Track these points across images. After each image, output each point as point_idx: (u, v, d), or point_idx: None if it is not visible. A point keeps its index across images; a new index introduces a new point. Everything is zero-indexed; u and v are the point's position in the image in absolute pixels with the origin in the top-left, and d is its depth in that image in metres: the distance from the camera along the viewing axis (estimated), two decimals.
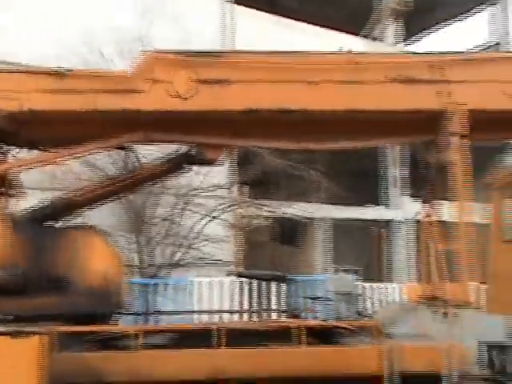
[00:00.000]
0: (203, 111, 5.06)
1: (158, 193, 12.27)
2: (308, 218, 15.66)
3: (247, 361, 4.35)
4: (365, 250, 18.42)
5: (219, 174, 12.52)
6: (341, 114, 5.14)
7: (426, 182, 5.68)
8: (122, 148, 5.56)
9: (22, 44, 11.85)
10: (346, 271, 7.72)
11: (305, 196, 15.54)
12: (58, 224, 5.51)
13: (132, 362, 4.30)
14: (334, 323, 5.01)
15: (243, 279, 10.91)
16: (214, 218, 13.36)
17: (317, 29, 16.93)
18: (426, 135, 5.35)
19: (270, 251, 15.02)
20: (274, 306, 10.83)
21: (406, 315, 5.24)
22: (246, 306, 10.96)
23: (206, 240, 13.11)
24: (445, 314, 4.61)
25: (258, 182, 14.08)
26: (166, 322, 9.73)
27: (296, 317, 7.64)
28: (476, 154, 5.10)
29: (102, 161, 10.90)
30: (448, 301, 4.76)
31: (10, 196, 5.20)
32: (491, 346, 4.47)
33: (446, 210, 5.36)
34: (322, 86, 5.07)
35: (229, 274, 12.18)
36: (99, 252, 5.18)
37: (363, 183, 17.10)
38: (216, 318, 10.45)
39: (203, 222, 13.19)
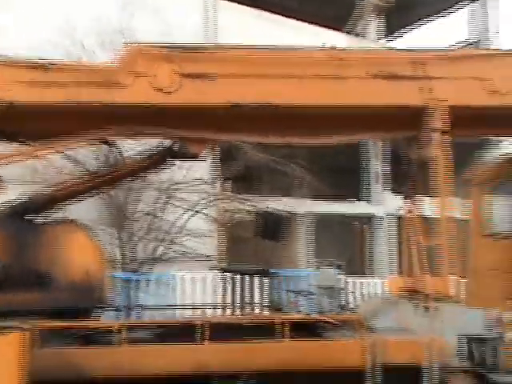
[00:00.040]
0: (187, 105, 5.03)
1: (140, 187, 12.21)
2: (291, 213, 15.71)
3: (231, 355, 4.36)
4: (347, 245, 18.55)
5: (202, 168, 12.48)
6: (324, 109, 5.16)
7: (408, 177, 5.73)
8: (104, 142, 5.51)
9: (3, 37, 11.66)
10: (328, 266, 7.77)
11: (288, 191, 15.60)
12: (39, 218, 5.46)
13: (115, 358, 4.29)
14: (317, 317, 5.04)
15: (226, 274, 10.92)
16: (196, 212, 13.34)
17: (300, 24, 16.95)
18: (408, 131, 5.40)
19: (252, 246, 15.05)
20: (256, 301, 10.86)
21: (387, 309, 5.30)
22: (228, 301, 10.98)
23: (189, 235, 13.09)
24: (426, 307, 4.68)
25: (241, 177, 14.08)
26: (148, 317, 9.70)
27: (279, 311, 7.67)
28: (457, 150, 5.16)
29: (84, 155, 10.79)
30: (429, 294, 4.82)
31: None
32: (471, 339, 4.54)
33: (428, 206, 5.42)
34: (306, 81, 5.09)
35: (212, 268, 12.19)
36: (81, 247, 5.15)
37: (345, 178, 17.20)
38: (199, 312, 10.45)
39: (186, 216, 13.16)
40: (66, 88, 4.82)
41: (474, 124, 5.50)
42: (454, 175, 5.14)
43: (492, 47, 19.08)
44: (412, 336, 4.54)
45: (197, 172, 12.53)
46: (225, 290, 11.04)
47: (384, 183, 18.37)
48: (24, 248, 4.91)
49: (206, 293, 11.54)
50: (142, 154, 5.75)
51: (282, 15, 16.76)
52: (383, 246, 18.17)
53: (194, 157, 5.48)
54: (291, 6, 17.78)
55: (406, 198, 5.81)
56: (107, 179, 5.76)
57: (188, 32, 12.81)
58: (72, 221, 5.31)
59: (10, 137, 5.21)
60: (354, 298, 12.38)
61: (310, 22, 17.04)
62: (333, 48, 5.41)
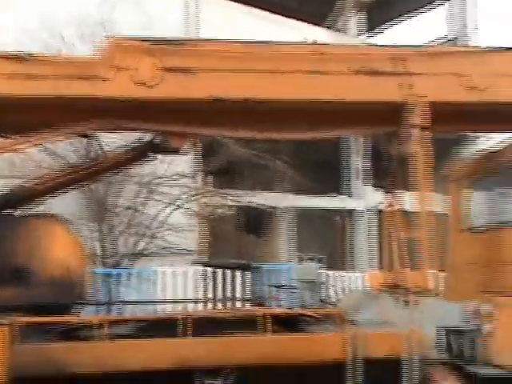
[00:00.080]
0: (168, 99, 5.01)
1: (120, 181, 12.13)
2: (272, 208, 15.76)
3: (212, 349, 4.37)
4: (328, 239, 18.67)
5: (183, 162, 12.44)
6: (305, 104, 5.18)
7: (388, 172, 5.79)
8: (84, 136, 5.46)
9: None
10: (310, 260, 7.81)
11: (269, 185, 15.63)
12: (18, 212, 5.39)
13: (96, 353, 4.26)
14: (299, 311, 5.08)
15: (208, 268, 10.92)
16: (178, 206, 13.29)
17: (282, 18, 16.95)
18: (389, 127, 5.45)
19: (234, 240, 15.06)
20: (238, 295, 10.88)
21: (368, 302, 5.35)
22: (210, 295, 10.98)
23: (170, 229, 13.04)
24: (406, 301, 4.74)
25: (223, 171, 14.06)
26: (129, 312, 9.66)
27: (261, 305, 7.70)
28: (435, 146, 5.22)
29: (63, 148, 10.68)
30: (409, 288, 4.89)
31: None
32: (449, 331, 4.62)
33: (408, 200, 5.48)
34: (288, 75, 5.10)
35: (193, 263, 12.17)
36: (61, 241, 5.11)
37: (327, 173, 17.29)
38: (180, 307, 10.43)
39: (167, 211, 13.11)
40: (46, 81, 4.76)
41: (453, 120, 5.57)
42: (433, 170, 5.20)
43: (470, 44, 19.31)
44: (392, 329, 4.59)
45: (178, 166, 12.48)
46: (206, 284, 11.04)
47: (364, 178, 18.52)
48: (3, 243, 4.85)
49: (187, 287, 11.52)
50: (123, 148, 5.72)
51: (264, 10, 16.74)
52: (364, 240, 18.33)
53: (175, 151, 5.46)
54: (273, 1, 17.76)
55: (386, 192, 5.87)
56: (87, 173, 5.71)
57: (169, 25, 12.72)
58: (52, 215, 5.25)
59: None
60: (335, 291, 12.48)
61: (292, 17, 17.06)
62: (314, 43, 5.43)
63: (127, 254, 12.71)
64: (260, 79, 5.08)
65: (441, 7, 22.49)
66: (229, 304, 10.46)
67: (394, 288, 5.32)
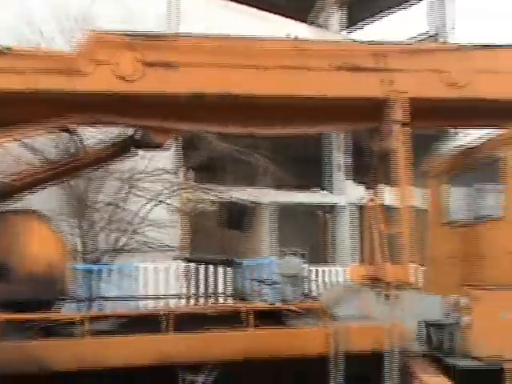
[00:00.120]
0: (149, 94, 4.98)
1: (101, 177, 12.02)
2: (255, 203, 15.77)
3: (195, 345, 4.37)
4: (310, 234, 18.76)
5: (164, 158, 12.37)
6: (287, 99, 5.19)
7: (369, 167, 5.83)
8: (65, 130, 5.40)
9: None
10: (292, 254, 7.84)
11: (251, 181, 15.63)
12: None
13: (77, 350, 4.23)
14: (281, 306, 5.10)
15: (190, 264, 10.90)
16: (159, 202, 13.23)
17: (264, 13, 16.92)
18: (370, 122, 5.48)
19: (216, 236, 15.04)
20: (220, 290, 10.88)
21: (349, 297, 5.40)
22: (192, 291, 10.97)
23: (152, 225, 12.98)
24: (387, 294, 4.79)
25: (205, 167, 14.02)
26: (110, 308, 9.60)
27: (243, 300, 7.71)
28: (415, 142, 5.27)
29: (42, 143, 10.55)
30: (389, 282, 4.94)
31: None
32: (429, 324, 4.69)
33: (388, 195, 5.53)
34: (269, 71, 5.10)
35: (176, 258, 12.13)
36: (41, 237, 5.06)
37: (308, 168, 17.35)
38: (162, 303, 10.40)
39: (148, 206, 13.04)
40: (25, 75, 4.70)
41: (434, 116, 5.63)
42: (413, 166, 5.25)
43: (449, 40, 19.50)
44: (373, 323, 4.64)
45: (159, 162, 12.41)
46: (188, 280, 11.02)
47: (346, 173, 18.63)
48: None
49: (169, 283, 11.49)
50: (104, 143, 5.67)
51: (246, 5, 16.68)
52: (345, 234, 18.46)
53: (158, 146, 5.44)
54: None
55: (367, 187, 5.92)
56: (68, 168, 5.66)
57: (150, 19, 12.61)
58: (32, 211, 5.19)
59: None
60: (317, 286, 12.55)
61: (274, 12, 17.03)
62: (296, 39, 5.43)
63: (108, 249, 12.62)
64: (241, 75, 5.07)
65: (421, 3, 22.66)
66: (211, 300, 10.46)
67: (375, 282, 5.38)
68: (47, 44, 10.38)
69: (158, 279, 11.54)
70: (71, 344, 4.28)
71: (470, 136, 7.14)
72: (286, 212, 17.53)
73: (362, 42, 5.90)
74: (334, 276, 13.44)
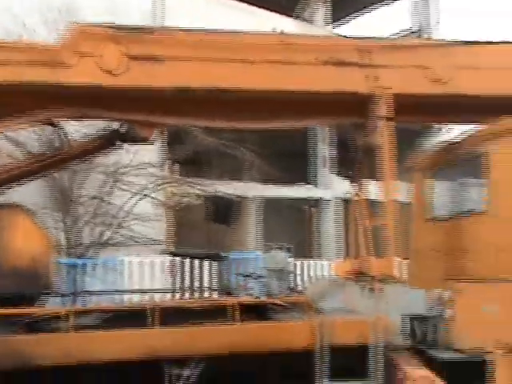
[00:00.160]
0: (134, 88, 4.94)
1: (85, 170, 11.94)
2: (240, 197, 15.76)
3: (181, 339, 4.37)
4: (296, 228, 18.81)
5: (150, 151, 12.31)
6: (273, 94, 5.18)
7: (354, 162, 5.86)
8: (50, 124, 5.34)
9: None
10: (278, 248, 7.88)
11: (237, 175, 15.62)
12: None
13: (62, 344, 4.21)
14: (267, 299, 5.12)
15: (175, 258, 10.88)
16: (144, 196, 13.17)
17: (250, 8, 16.86)
18: (355, 117, 5.51)
19: (202, 230, 15.02)
20: (206, 284, 10.89)
21: (334, 290, 5.44)
22: (178, 285, 10.95)
23: (137, 219, 12.92)
24: (371, 288, 4.83)
25: (190, 160, 13.98)
26: (95, 302, 9.56)
27: (229, 294, 7.73)
28: (400, 137, 5.31)
29: (26, 136, 10.43)
30: (374, 276, 4.98)
31: None
32: (413, 318, 4.74)
33: (373, 189, 5.57)
34: (255, 65, 5.08)
35: (162, 252, 12.09)
36: (25, 231, 5.02)
37: (294, 162, 17.39)
38: (147, 297, 10.38)
39: (133, 200, 12.98)
40: (7, 67, 4.63)
41: (418, 111, 5.67)
42: (398, 161, 5.30)
43: (433, 36, 19.61)
44: (358, 316, 4.68)
45: (145, 155, 12.35)
46: (174, 274, 11.01)
47: (331, 167, 18.70)
48: None
49: (154, 277, 11.46)
50: (90, 137, 5.62)
51: None
52: (331, 228, 18.55)
53: (143, 140, 5.40)
54: None
55: (352, 181, 5.95)
56: (52, 162, 5.61)
57: (135, 13, 12.50)
58: (16, 205, 5.14)
59: None
60: (302, 279, 12.62)
61: (260, 7, 16.98)
62: (282, 33, 5.43)
63: (93, 243, 12.55)
64: (228, 69, 5.05)
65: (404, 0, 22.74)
66: (197, 294, 10.46)
67: (359, 275, 5.42)
68: (29, 36, 10.25)
69: (143, 273, 11.52)
70: (56, 338, 4.26)
71: (453, 131, 7.21)
72: (271, 206, 17.56)
73: (348, 38, 5.91)
74: (319, 270, 13.52)
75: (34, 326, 4.39)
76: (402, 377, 4.34)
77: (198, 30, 5.24)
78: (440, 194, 6.26)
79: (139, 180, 13.04)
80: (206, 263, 10.96)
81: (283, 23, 15.46)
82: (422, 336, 4.66)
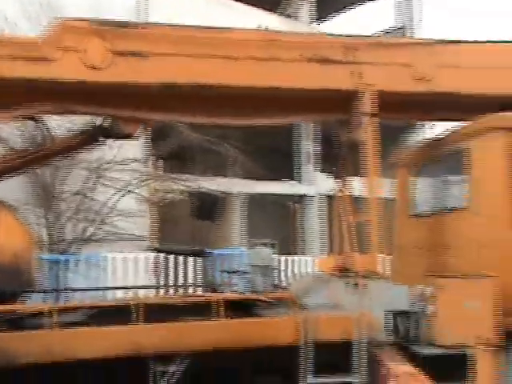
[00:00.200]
0: (119, 83, 4.91)
1: (68, 166, 11.82)
2: (225, 193, 15.75)
3: (165, 336, 4.36)
4: (280, 224, 18.85)
5: (133, 147, 12.22)
6: (258, 90, 5.19)
7: (339, 158, 5.90)
8: (31, 119, 5.28)
9: None
10: (263, 245, 7.89)
11: (221, 171, 15.60)
12: None
13: (46, 342, 4.18)
14: (251, 296, 5.13)
15: (159, 254, 10.84)
16: (128, 192, 13.09)
17: (235, 3, 16.81)
18: (339, 114, 5.54)
19: (186, 226, 14.99)
20: (190, 281, 10.87)
21: (318, 286, 5.47)
22: (162, 281, 10.92)
23: (120, 215, 12.84)
24: (355, 284, 4.87)
25: (174, 156, 13.93)
26: (77, 299, 9.49)
27: (213, 290, 7.73)
28: (384, 134, 5.36)
29: (8, 132, 10.29)
30: (358, 271, 5.02)
31: None
32: (396, 314, 4.78)
33: (357, 185, 5.61)
34: (240, 62, 5.09)
35: (147, 249, 12.05)
36: (6, 227, 4.96)
37: (278, 159, 17.41)
38: (131, 293, 10.32)
39: (117, 196, 12.89)
40: None
41: (402, 109, 5.73)
42: (382, 157, 5.34)
43: (416, 34, 19.75)
44: (342, 312, 4.71)
45: (129, 151, 12.27)
46: (158, 270, 10.98)
47: (315, 164, 18.76)
48: None
49: (138, 274, 11.41)
50: (73, 133, 5.58)
51: None
52: (315, 224, 18.62)
53: (128, 136, 5.38)
54: None
55: (336, 178, 5.98)
56: (34, 158, 5.55)
57: (119, 9, 12.38)
58: None
59: None
60: (286, 275, 12.65)
61: (245, 2, 16.94)
62: (267, 30, 5.44)
63: (75, 239, 12.45)
64: (212, 65, 5.05)
65: None
66: (181, 290, 10.44)
67: (343, 271, 5.46)
68: (11, 30, 10.11)
69: (126, 269, 11.46)
70: (39, 336, 4.22)
71: (436, 128, 7.28)
72: (256, 202, 17.57)
73: (333, 35, 5.94)
74: (304, 266, 13.57)
75: (17, 323, 4.34)
76: (386, 372, 4.38)
77: (183, 25, 5.22)
78: (423, 190, 6.32)
79: (123, 176, 12.94)
80: (190, 259, 10.94)
81: (267, 20, 15.43)
82: (405, 332, 4.71)
